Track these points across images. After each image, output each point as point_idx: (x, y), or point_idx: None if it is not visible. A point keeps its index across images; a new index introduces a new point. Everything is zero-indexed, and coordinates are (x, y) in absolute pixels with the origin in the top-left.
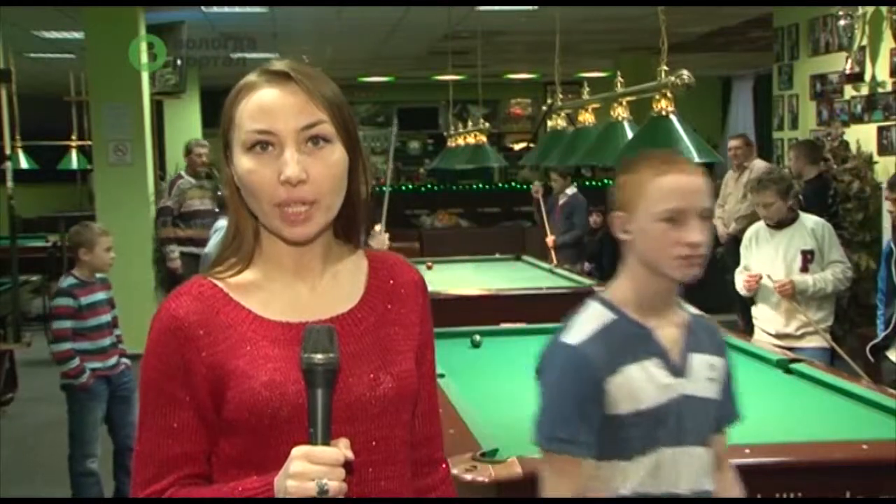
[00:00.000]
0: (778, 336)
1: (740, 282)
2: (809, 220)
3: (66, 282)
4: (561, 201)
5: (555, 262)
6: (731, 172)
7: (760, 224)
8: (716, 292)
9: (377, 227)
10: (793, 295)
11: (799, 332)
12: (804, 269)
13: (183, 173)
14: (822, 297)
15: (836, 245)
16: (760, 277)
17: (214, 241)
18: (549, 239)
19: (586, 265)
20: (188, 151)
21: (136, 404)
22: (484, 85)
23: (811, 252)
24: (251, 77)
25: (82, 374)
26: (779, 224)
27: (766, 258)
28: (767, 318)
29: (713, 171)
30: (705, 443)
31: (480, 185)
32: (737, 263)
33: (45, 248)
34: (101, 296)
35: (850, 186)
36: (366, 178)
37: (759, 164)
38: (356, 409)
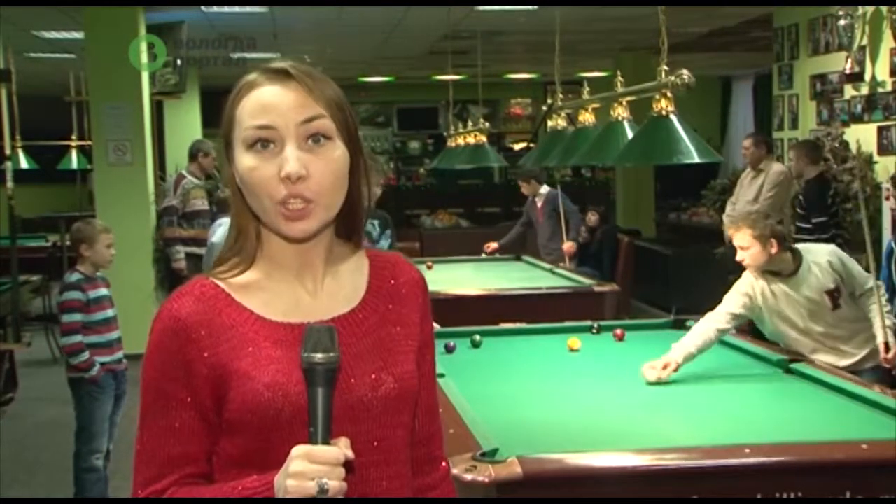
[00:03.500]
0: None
1: None
2: (820, 254)
3: (72, 277)
4: (539, 203)
5: (567, 263)
6: (747, 171)
7: (759, 281)
8: (716, 292)
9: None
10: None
11: (859, 357)
12: (836, 307)
13: (185, 173)
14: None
15: (856, 268)
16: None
17: (221, 232)
18: (567, 245)
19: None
20: (196, 154)
21: (126, 405)
22: (484, 85)
23: (836, 290)
24: (251, 76)
25: (93, 367)
26: (784, 273)
27: (792, 315)
28: (821, 358)
29: (717, 170)
30: None
31: (480, 185)
32: (740, 265)
33: (45, 248)
34: (104, 292)
35: (850, 186)
36: (367, 178)
37: (775, 167)
38: (358, 409)
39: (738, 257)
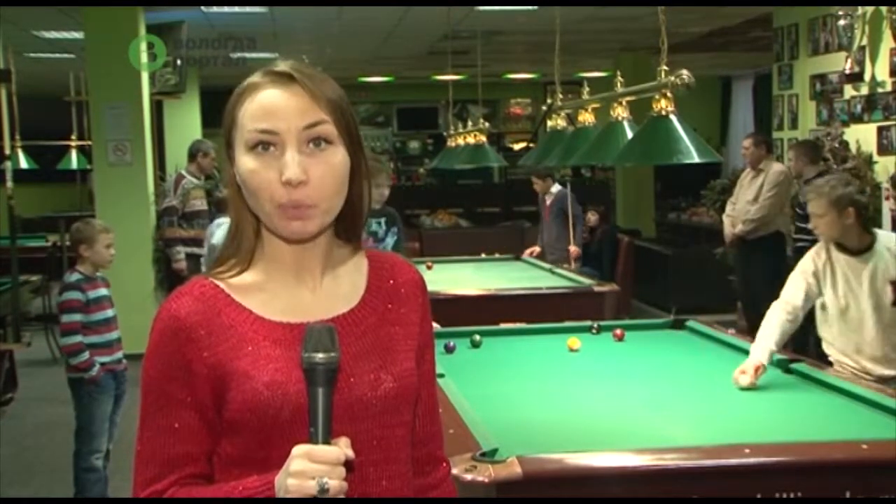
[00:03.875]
0: (882, 380)
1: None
2: (894, 241)
3: (72, 277)
4: (548, 201)
5: (571, 265)
6: (747, 171)
7: (822, 257)
8: (716, 292)
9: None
10: None
11: None
12: None
13: (184, 173)
14: None
15: None
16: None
17: (220, 234)
18: (572, 248)
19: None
20: (195, 154)
21: (125, 405)
22: (484, 85)
23: None
24: (254, 78)
25: (92, 367)
26: (852, 249)
27: (847, 298)
28: (860, 361)
29: (717, 170)
30: None
31: (480, 185)
32: (740, 265)
33: (45, 248)
34: (104, 292)
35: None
36: (368, 179)
37: (775, 167)
38: (357, 408)
39: (811, 224)
